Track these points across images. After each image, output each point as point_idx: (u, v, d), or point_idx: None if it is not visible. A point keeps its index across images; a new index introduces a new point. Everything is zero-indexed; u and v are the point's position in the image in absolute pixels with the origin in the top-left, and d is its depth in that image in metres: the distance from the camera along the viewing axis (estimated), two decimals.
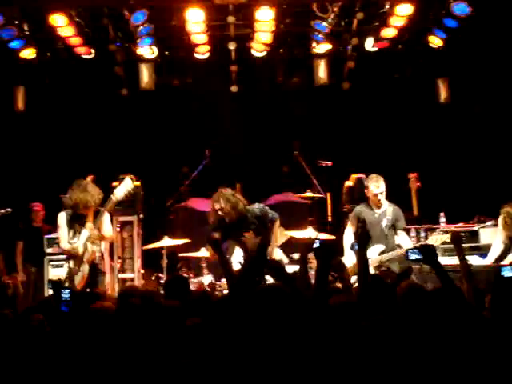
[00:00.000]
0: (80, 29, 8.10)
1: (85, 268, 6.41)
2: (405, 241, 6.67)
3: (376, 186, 6.68)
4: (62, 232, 6.52)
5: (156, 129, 9.42)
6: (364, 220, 5.66)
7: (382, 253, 6.52)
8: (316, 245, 3.59)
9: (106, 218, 6.60)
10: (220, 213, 6.55)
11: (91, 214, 6.49)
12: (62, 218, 6.53)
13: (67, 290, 3.74)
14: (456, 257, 4.26)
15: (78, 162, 9.02)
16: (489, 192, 8.17)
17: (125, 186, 6.57)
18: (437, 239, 6.33)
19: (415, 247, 4.41)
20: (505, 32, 7.89)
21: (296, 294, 3.15)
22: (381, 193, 6.67)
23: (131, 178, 6.84)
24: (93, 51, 8.41)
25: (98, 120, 9.20)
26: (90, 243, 6.43)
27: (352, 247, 4.97)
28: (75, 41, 8.22)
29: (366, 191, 6.84)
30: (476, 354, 2.76)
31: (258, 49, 8.43)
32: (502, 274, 3.71)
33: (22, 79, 8.72)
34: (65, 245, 6.53)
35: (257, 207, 6.74)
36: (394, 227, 6.73)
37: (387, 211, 6.73)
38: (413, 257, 3.89)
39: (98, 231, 6.47)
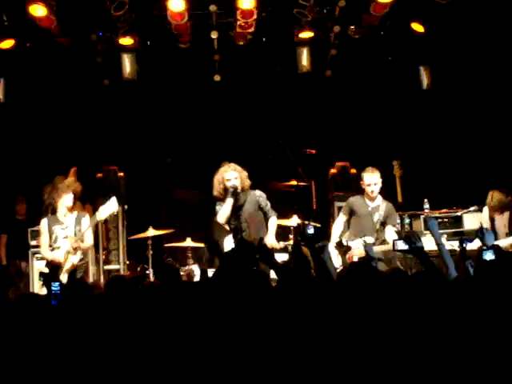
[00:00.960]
0: (60, 19, 8.01)
1: (64, 277, 6.41)
2: (392, 236, 6.65)
3: (370, 176, 6.71)
4: (43, 239, 6.62)
5: (139, 119, 9.36)
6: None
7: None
8: (310, 231, 3.61)
9: (89, 230, 6.60)
10: (232, 183, 6.42)
11: (68, 207, 6.52)
12: (44, 224, 6.62)
13: (57, 283, 3.72)
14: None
15: (61, 153, 8.96)
16: (472, 178, 8.24)
17: (110, 207, 6.58)
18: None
19: (401, 237, 4.42)
20: (485, 18, 7.92)
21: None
22: (374, 184, 6.70)
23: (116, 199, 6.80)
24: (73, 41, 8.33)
25: (80, 110, 9.13)
26: (72, 254, 6.45)
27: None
28: (55, 31, 8.13)
29: (361, 183, 6.86)
30: (458, 336, 2.80)
31: (241, 37, 8.40)
32: (484, 257, 3.75)
33: (1, 70, 8.62)
34: (46, 253, 6.63)
35: (258, 193, 6.72)
36: (384, 223, 6.74)
37: (380, 207, 6.77)
38: (400, 247, 3.92)
39: (80, 241, 6.48)
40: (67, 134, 9.13)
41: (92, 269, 8.11)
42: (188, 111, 9.31)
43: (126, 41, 8.35)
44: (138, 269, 8.40)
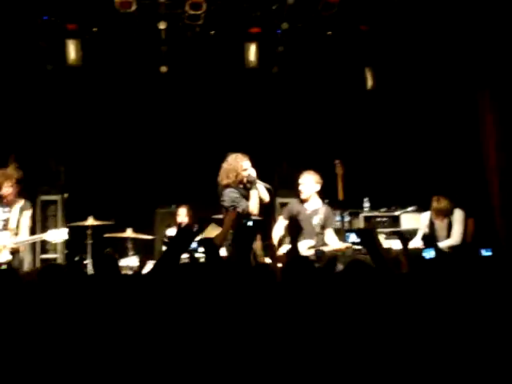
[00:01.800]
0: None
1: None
2: (332, 239, 6.74)
3: (300, 176, 6.85)
4: None
5: (82, 107, 9.20)
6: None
7: (311, 247, 6.61)
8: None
9: (25, 226, 6.53)
10: (250, 171, 6.33)
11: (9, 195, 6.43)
12: None
13: None
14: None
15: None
16: (411, 180, 8.44)
17: (59, 235, 6.52)
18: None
19: (353, 230, 4.52)
20: (429, 18, 8.09)
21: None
22: (300, 184, 6.81)
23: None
24: None
25: (20, 96, 8.90)
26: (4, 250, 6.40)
27: None
28: None
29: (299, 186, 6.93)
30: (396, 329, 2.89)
31: (189, 29, 8.36)
32: (423, 255, 3.89)
33: None
34: None
35: None
36: (324, 227, 6.82)
37: (320, 210, 6.82)
38: (352, 239, 4.06)
39: (16, 233, 6.41)
40: (7, 119, 8.88)
41: (28, 257, 7.96)
42: (132, 101, 9.20)
43: (72, 26, 8.20)
44: (77, 258, 8.27)
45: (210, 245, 3.88)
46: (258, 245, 5.54)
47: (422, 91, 8.74)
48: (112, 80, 8.95)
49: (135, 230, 8.05)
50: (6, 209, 6.53)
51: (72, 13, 8.17)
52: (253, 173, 6.29)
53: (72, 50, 8.32)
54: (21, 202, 6.62)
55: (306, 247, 6.60)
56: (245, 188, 6.29)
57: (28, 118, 8.98)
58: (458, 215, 7.03)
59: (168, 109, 9.34)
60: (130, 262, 7.84)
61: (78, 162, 9.06)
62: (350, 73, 8.89)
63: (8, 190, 6.47)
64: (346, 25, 8.53)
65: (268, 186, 6.33)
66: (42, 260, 8.30)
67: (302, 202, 6.88)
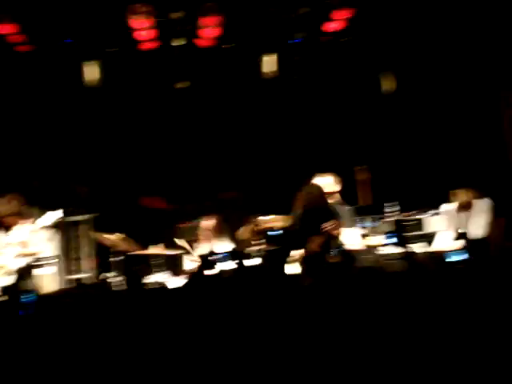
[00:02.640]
0: (22, 26, 7.98)
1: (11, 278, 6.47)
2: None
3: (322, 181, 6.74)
4: None
5: (103, 128, 9.32)
6: None
7: None
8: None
9: (37, 235, 6.63)
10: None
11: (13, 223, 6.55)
12: None
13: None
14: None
15: (22, 162, 8.89)
16: (432, 182, 8.31)
17: (52, 217, 6.60)
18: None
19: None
20: (446, 23, 8.01)
21: None
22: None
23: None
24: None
25: (42, 119, 9.06)
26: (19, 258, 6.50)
27: None
28: (17, 38, 8.10)
29: None
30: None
31: (203, 44, 8.42)
32: (447, 259, 3.82)
33: None
34: None
35: None
36: None
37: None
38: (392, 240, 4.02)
39: (26, 246, 6.51)
40: (30, 143, 9.05)
41: (61, 278, 8.07)
42: (152, 119, 9.29)
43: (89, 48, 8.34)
44: (101, 277, 8.34)
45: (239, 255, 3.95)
46: None
47: (444, 94, 8.62)
48: (131, 98, 9.05)
49: (158, 248, 8.07)
50: (8, 233, 6.69)
51: (90, 35, 8.33)
52: None
53: (90, 72, 8.46)
54: (24, 222, 6.75)
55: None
56: None
57: (52, 140, 9.13)
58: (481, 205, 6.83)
59: (188, 126, 9.39)
60: (156, 278, 7.86)
61: (102, 182, 9.16)
62: (368, 77, 8.82)
63: (9, 221, 6.65)
64: (361, 30, 8.50)
65: None
66: (74, 280, 8.39)
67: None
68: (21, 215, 6.73)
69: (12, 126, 8.88)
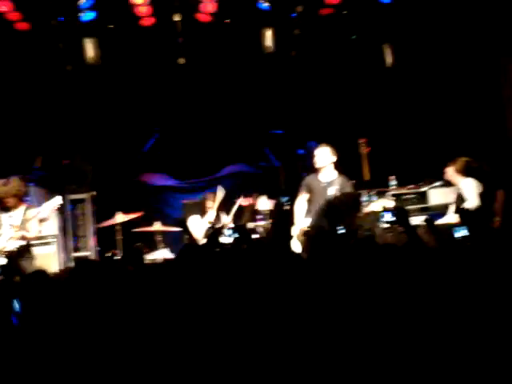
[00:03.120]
0: (19, 3, 7.89)
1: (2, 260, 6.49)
2: None
3: (320, 150, 6.91)
4: None
5: (104, 104, 9.27)
6: None
7: None
8: None
9: (33, 219, 6.64)
10: None
11: (14, 205, 6.59)
12: None
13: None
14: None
15: (25, 141, 8.85)
16: (436, 154, 8.34)
17: (53, 204, 6.62)
18: (379, 205, 6.50)
19: (388, 209, 4.53)
20: None
21: None
22: (315, 156, 6.87)
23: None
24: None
25: (43, 98, 9.00)
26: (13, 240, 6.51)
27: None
28: (14, 16, 8.00)
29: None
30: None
31: (204, 19, 8.35)
32: (455, 234, 3.83)
33: None
34: None
35: None
36: None
37: (335, 181, 6.84)
38: (387, 218, 4.15)
39: (23, 229, 6.51)
40: (31, 121, 8.99)
41: (61, 256, 8.09)
42: (153, 95, 9.24)
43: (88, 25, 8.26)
44: (109, 254, 8.36)
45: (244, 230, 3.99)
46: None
47: (444, 65, 8.61)
48: (131, 75, 8.99)
49: (163, 223, 8.11)
50: (10, 213, 6.72)
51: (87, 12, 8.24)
52: None
53: (90, 49, 8.39)
54: (24, 206, 6.79)
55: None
56: None
57: (52, 119, 9.08)
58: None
59: (189, 101, 9.35)
60: (160, 254, 7.91)
61: (104, 160, 9.14)
62: (369, 50, 8.79)
63: (9, 202, 6.66)
64: (362, 2, 8.46)
65: None
66: (75, 258, 8.40)
67: (317, 174, 6.91)
68: (21, 197, 6.75)
69: (14, 104, 8.82)
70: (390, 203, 6.85)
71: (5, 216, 6.69)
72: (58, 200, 6.61)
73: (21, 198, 6.74)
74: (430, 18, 8.35)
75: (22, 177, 7.05)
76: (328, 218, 5.36)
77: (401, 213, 4.17)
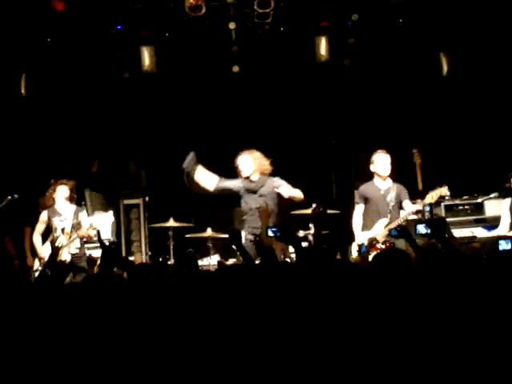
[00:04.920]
0: (79, 14, 8.09)
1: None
2: (408, 206, 6.72)
3: (385, 157, 6.77)
4: (39, 226, 7.15)
5: (159, 111, 9.41)
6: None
7: (387, 225, 6.57)
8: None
9: (86, 220, 6.91)
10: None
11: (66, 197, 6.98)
12: (44, 215, 7.10)
13: None
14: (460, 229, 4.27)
15: (83, 146, 9.05)
16: (492, 165, 8.17)
17: (105, 221, 6.81)
18: (432, 196, 6.41)
19: (422, 221, 4.37)
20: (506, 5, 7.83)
21: None
22: (388, 164, 6.74)
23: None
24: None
25: (101, 104, 9.20)
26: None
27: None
28: (75, 25, 8.22)
29: (371, 166, 6.84)
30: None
31: (259, 28, 8.42)
32: (500, 247, 3.58)
33: (23, 65, 8.72)
34: (36, 238, 7.13)
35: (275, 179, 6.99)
36: (399, 203, 6.77)
37: (392, 188, 6.79)
38: (422, 231, 3.82)
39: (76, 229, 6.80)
40: (89, 127, 9.20)
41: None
42: (207, 103, 9.33)
43: (145, 33, 8.42)
44: (160, 259, 8.45)
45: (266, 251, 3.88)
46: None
47: (499, 75, 8.44)
48: (186, 83, 9.10)
49: (215, 230, 8.16)
50: (62, 217, 6.90)
51: (145, 20, 8.40)
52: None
53: (146, 57, 8.55)
54: (73, 206, 6.96)
55: (382, 226, 6.60)
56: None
57: (109, 125, 9.26)
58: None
59: (243, 109, 9.41)
60: (211, 261, 7.96)
61: (158, 166, 9.26)
62: (424, 59, 8.69)
63: (62, 192, 6.86)
64: (417, 11, 8.37)
65: None
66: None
67: (374, 183, 6.82)
68: (71, 200, 6.95)
69: (73, 110, 9.05)
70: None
71: (57, 219, 6.90)
72: (110, 218, 6.76)
73: (69, 200, 6.94)
74: (488, 26, 8.21)
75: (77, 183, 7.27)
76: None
77: (436, 224, 3.75)
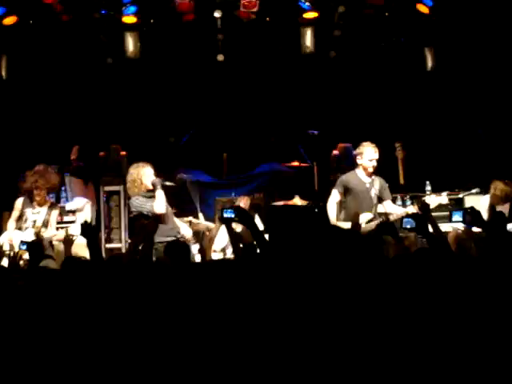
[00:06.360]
0: None
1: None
2: (394, 208, 6.72)
3: (373, 151, 6.59)
4: (14, 213, 6.97)
5: (142, 98, 9.34)
6: None
7: (370, 221, 6.52)
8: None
9: (53, 219, 6.88)
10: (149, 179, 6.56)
11: (42, 198, 6.81)
12: (19, 201, 6.96)
13: None
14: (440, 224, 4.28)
15: (64, 131, 8.96)
16: (473, 161, 8.24)
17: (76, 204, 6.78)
18: (432, 201, 6.36)
19: (409, 215, 4.38)
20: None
21: None
22: (376, 159, 6.62)
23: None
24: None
25: (83, 89, 9.11)
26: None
27: None
28: (58, 8, 8.11)
29: (358, 157, 6.69)
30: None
31: (245, 17, 8.37)
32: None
33: (4, 47, 8.60)
34: (10, 225, 6.95)
35: None
36: (380, 198, 6.73)
37: (375, 181, 6.72)
38: (408, 225, 3.88)
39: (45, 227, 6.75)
40: (70, 112, 9.11)
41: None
42: (191, 90, 9.28)
43: (130, 19, 8.33)
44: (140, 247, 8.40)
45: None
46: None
47: (483, 70, 8.49)
48: (170, 70, 9.04)
49: (196, 218, 8.13)
50: (36, 210, 6.83)
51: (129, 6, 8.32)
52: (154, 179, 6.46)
53: (130, 43, 8.46)
54: (48, 203, 6.91)
55: (365, 220, 6.48)
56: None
57: (91, 110, 9.18)
58: None
59: (227, 97, 9.37)
60: (193, 249, 7.92)
61: (140, 152, 9.18)
62: (409, 54, 8.71)
63: (40, 193, 6.79)
64: (403, 5, 8.38)
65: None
66: (107, 249, 8.46)
67: (358, 175, 6.70)
68: (52, 192, 6.89)
69: (53, 94, 8.96)
70: (443, 199, 6.67)
71: (29, 210, 6.84)
72: (80, 202, 6.70)
73: (49, 193, 6.88)
74: (472, 22, 8.24)
75: (58, 169, 7.18)
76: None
77: (421, 219, 3.80)
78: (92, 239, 4.13)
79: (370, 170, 6.63)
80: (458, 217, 3.75)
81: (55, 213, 6.98)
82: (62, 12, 8.25)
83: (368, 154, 6.60)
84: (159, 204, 6.32)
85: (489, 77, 8.51)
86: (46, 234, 6.72)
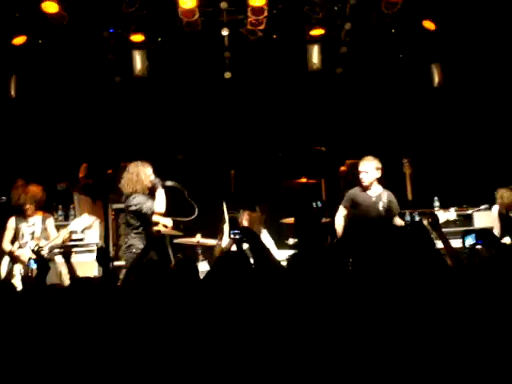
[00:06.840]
0: (72, 16, 8.04)
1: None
2: (402, 223, 6.76)
3: (361, 164, 6.79)
4: (7, 234, 6.97)
5: (150, 116, 9.39)
6: None
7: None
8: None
9: (53, 230, 6.94)
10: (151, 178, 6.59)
11: (33, 211, 6.88)
12: (11, 221, 6.97)
13: None
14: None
15: (72, 149, 9.00)
16: (482, 177, 8.21)
17: (83, 221, 6.75)
18: (441, 216, 6.35)
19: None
20: (496, 15, 7.88)
21: None
22: (364, 171, 6.72)
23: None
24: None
25: (91, 108, 9.16)
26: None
27: None
28: (67, 27, 8.17)
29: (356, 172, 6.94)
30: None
31: (251, 35, 8.41)
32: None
33: (13, 67, 8.66)
34: (6, 246, 6.95)
35: None
36: (389, 211, 6.79)
37: (382, 195, 6.80)
38: (471, 241, 3.81)
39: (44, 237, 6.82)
40: (78, 130, 9.15)
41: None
42: (198, 108, 9.32)
43: (137, 38, 8.39)
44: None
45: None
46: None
47: (492, 86, 8.50)
48: (178, 88, 9.08)
49: (204, 236, 8.11)
50: (30, 223, 6.90)
51: (137, 25, 8.37)
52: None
53: (138, 61, 8.51)
54: (40, 214, 6.98)
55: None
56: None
57: (99, 129, 9.22)
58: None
59: (234, 115, 9.41)
60: (200, 267, 7.89)
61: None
62: (416, 70, 8.73)
63: (30, 207, 6.82)
64: (409, 22, 8.40)
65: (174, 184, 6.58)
66: (115, 267, 8.46)
67: (364, 189, 6.82)
68: (40, 204, 6.93)
69: (62, 113, 9.00)
70: (451, 215, 6.69)
71: (24, 225, 6.87)
72: (85, 219, 6.72)
73: (38, 206, 6.91)
74: (478, 38, 8.26)
75: (66, 186, 7.20)
76: None
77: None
78: (106, 266, 4.15)
79: (363, 183, 6.70)
80: (471, 240, 3.73)
81: (50, 220, 7.04)
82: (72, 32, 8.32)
83: (359, 168, 6.81)
84: (160, 204, 6.40)
85: (496, 92, 8.52)
86: (48, 243, 6.74)
